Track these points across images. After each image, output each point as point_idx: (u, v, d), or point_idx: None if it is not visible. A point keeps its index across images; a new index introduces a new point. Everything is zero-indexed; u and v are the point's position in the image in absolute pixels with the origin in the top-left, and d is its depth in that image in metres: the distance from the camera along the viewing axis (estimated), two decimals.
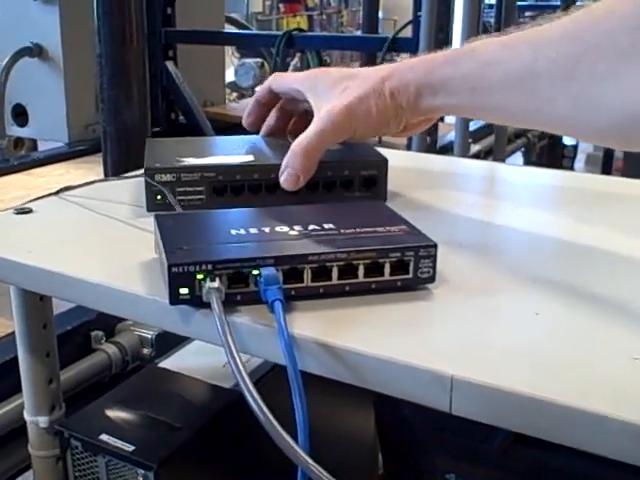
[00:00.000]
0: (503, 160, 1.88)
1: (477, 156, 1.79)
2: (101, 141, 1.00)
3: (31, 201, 0.69)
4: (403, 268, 0.49)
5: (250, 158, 0.62)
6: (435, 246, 0.49)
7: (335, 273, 0.48)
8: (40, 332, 0.68)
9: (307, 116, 0.63)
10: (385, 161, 0.62)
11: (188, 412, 0.66)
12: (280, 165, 0.59)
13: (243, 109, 2.16)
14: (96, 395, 0.72)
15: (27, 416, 0.70)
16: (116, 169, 1.00)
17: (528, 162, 2.60)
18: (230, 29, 2.37)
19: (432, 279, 0.49)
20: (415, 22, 1.60)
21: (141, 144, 1.11)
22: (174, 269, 0.45)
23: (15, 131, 1.82)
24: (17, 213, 0.65)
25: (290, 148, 0.58)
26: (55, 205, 0.68)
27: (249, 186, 0.60)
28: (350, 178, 0.61)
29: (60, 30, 1.71)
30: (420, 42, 1.54)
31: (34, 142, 2.27)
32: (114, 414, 0.66)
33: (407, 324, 0.45)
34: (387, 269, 0.48)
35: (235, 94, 3.35)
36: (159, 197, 0.59)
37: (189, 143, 0.72)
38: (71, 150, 1.69)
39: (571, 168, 3.67)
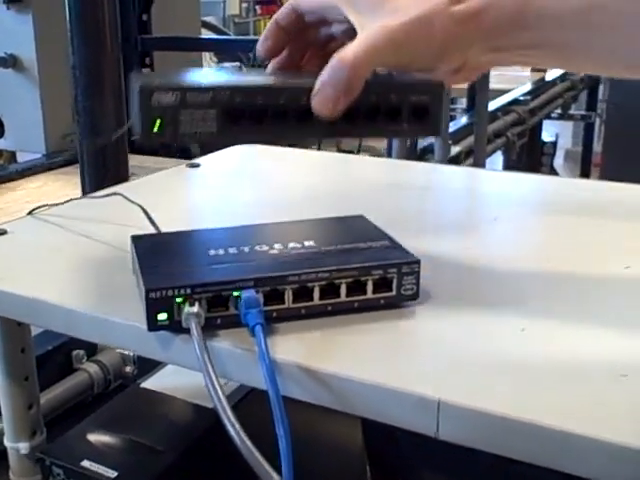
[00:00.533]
0: (484, 160, 1.88)
1: (457, 157, 1.78)
2: (78, 154, 0.98)
3: (5, 223, 0.67)
4: (386, 285, 0.48)
5: (271, 80, 0.51)
6: (418, 262, 0.48)
7: (317, 293, 0.47)
8: (18, 357, 0.66)
9: (330, 46, 0.54)
10: (441, 85, 0.50)
11: (171, 434, 0.65)
12: (312, 88, 0.47)
13: None
14: (79, 416, 0.70)
15: (7, 442, 0.69)
16: (94, 184, 0.98)
17: (508, 161, 2.61)
18: (207, 34, 2.36)
19: (416, 296, 0.48)
20: None
21: (119, 157, 1.11)
22: (152, 294, 0.44)
23: None
24: None
25: (329, 63, 0.46)
26: (30, 225, 0.67)
27: (273, 112, 0.48)
28: (397, 105, 0.49)
29: (34, 40, 1.69)
30: None
31: (13, 153, 2.24)
32: (96, 439, 0.65)
33: (391, 345, 0.45)
34: (370, 287, 0.47)
35: None
36: (158, 124, 0.46)
37: (190, 70, 0.59)
38: (49, 162, 1.67)
39: (551, 165, 3.69)
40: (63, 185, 1.54)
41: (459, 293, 0.51)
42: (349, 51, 0.46)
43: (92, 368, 0.94)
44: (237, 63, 3.27)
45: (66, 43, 1.27)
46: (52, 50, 1.72)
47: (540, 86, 2.83)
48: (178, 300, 0.45)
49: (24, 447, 0.68)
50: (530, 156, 3.05)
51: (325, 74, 0.46)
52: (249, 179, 0.84)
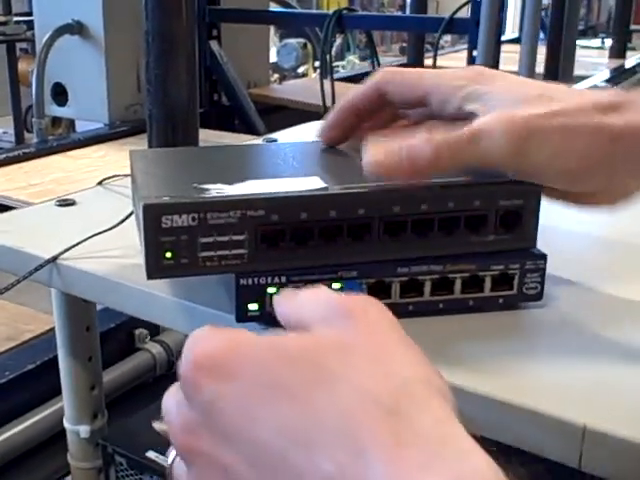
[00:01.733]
0: None
1: None
2: (146, 124, 0.93)
3: (74, 193, 0.63)
4: (506, 283, 0.42)
5: (317, 182, 0.40)
6: (544, 257, 0.42)
7: (428, 288, 0.41)
8: (83, 335, 0.62)
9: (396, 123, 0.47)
10: (537, 188, 0.41)
11: None
12: (369, 194, 0.39)
13: (287, 91, 2.06)
14: (140, 398, 0.66)
15: (67, 424, 0.65)
16: None
17: None
18: (274, 8, 2.30)
19: (539, 296, 0.42)
20: (474, 2, 1.52)
21: (189, 128, 1.06)
22: (242, 281, 0.39)
23: (54, 110, 1.77)
24: (59, 205, 0.59)
25: (420, 135, 0.39)
26: (99, 196, 0.62)
27: (322, 230, 0.39)
28: (481, 212, 0.40)
29: (102, 7, 1.65)
30: (481, 22, 1.45)
31: (72, 121, 2.23)
32: (161, 429, 0.60)
33: (516, 354, 0.38)
34: (488, 284, 0.41)
35: (277, 75, 3.28)
36: (169, 255, 0.37)
37: (206, 156, 0.48)
38: (111, 131, 1.63)
39: None
40: (126, 155, 1.49)
41: (588, 296, 0.44)
42: (451, 135, 0.38)
43: (155, 348, 0.89)
44: (301, 40, 3.21)
45: (134, 12, 1.23)
46: (120, 18, 1.68)
47: (620, 73, 2.70)
48: (271, 290, 0.39)
49: (84, 430, 0.64)
50: None
51: (408, 143, 0.38)
52: None
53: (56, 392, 0.65)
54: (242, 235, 0.38)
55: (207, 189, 0.39)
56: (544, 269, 0.42)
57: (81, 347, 0.62)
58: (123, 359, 0.86)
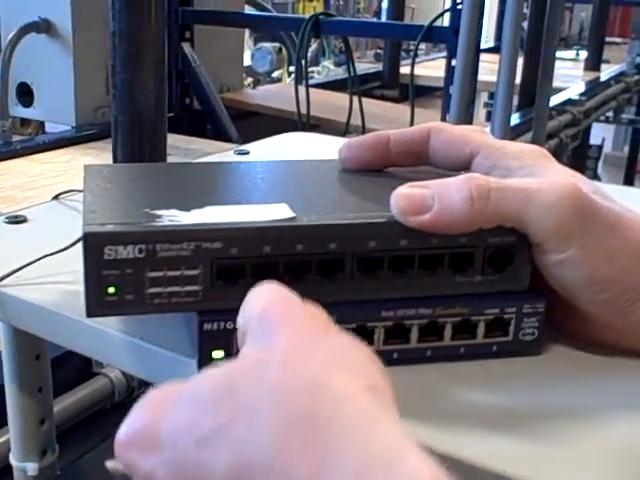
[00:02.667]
0: None
1: None
2: (111, 131, 0.88)
3: (26, 208, 0.57)
4: (501, 328, 0.37)
5: (284, 210, 0.35)
6: (543, 300, 0.38)
7: (415, 334, 0.36)
8: (32, 365, 0.57)
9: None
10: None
11: None
12: (342, 226, 0.34)
13: (261, 97, 2.01)
14: (96, 426, 0.61)
15: (13, 461, 0.59)
16: (127, 163, 0.88)
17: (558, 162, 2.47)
18: (250, 11, 2.25)
19: (537, 343, 0.38)
20: (454, 11, 1.48)
21: (156, 136, 1.01)
22: (206, 326, 0.34)
23: (19, 112, 1.70)
24: (8, 222, 0.54)
25: (463, 175, 0.36)
26: (53, 212, 0.57)
27: (287, 265, 0.34)
28: (469, 250, 0.36)
29: (70, 4, 1.59)
30: (461, 32, 1.42)
31: (42, 123, 2.16)
32: (114, 470, 0.55)
33: (515, 414, 0.34)
34: (481, 329, 0.37)
35: (250, 79, 3.23)
36: (112, 290, 0.33)
37: (167, 175, 0.43)
38: (78, 135, 1.57)
39: (595, 169, 3.55)
40: (92, 160, 1.45)
41: (587, 345, 0.40)
42: (490, 183, 0.35)
43: (113, 373, 0.84)
44: (276, 44, 3.16)
45: (104, 11, 1.18)
46: (89, 17, 1.62)
47: (594, 86, 2.69)
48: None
49: (32, 468, 0.59)
50: (576, 160, 2.92)
51: (433, 187, 0.35)
52: None
53: (2, 424, 0.60)
54: (196, 270, 0.33)
55: (159, 216, 0.34)
56: (543, 313, 0.37)
57: (30, 377, 0.57)
58: (78, 385, 0.80)
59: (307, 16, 1.64)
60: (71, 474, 0.56)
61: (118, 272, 0.32)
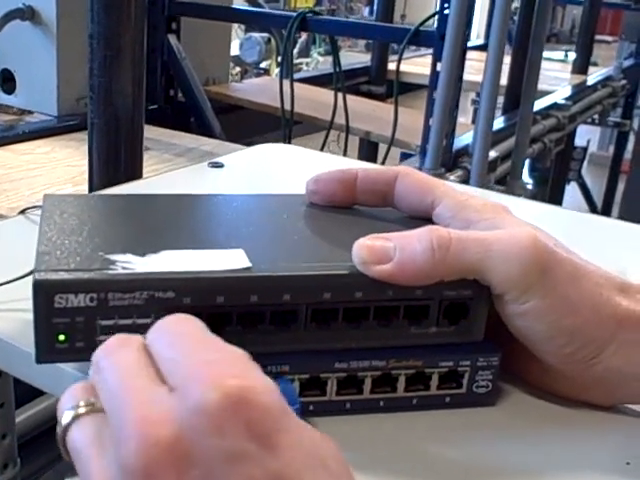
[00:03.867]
0: (522, 167, 1.76)
1: (494, 163, 1.67)
2: (87, 134, 0.87)
3: None
4: (454, 380, 0.38)
5: (241, 258, 0.35)
6: (498, 353, 0.38)
7: (368, 386, 0.36)
8: None
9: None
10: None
11: None
12: (296, 278, 0.34)
13: (246, 90, 1.99)
14: (54, 438, 0.60)
15: None
16: (103, 169, 0.87)
17: (534, 167, 2.48)
18: (238, 5, 2.24)
19: (491, 395, 0.38)
20: (441, 15, 1.48)
21: (133, 140, 1.00)
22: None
23: (1, 98, 1.68)
24: None
25: (425, 227, 0.36)
26: (20, 229, 0.57)
27: (241, 316, 0.34)
28: (424, 303, 0.36)
29: None
30: (447, 37, 1.42)
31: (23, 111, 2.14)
32: None
33: (466, 466, 0.34)
34: (434, 381, 0.37)
35: (238, 68, 3.21)
36: (62, 337, 0.33)
37: (129, 211, 0.42)
38: (59, 125, 1.56)
39: (579, 171, 3.56)
40: (72, 153, 1.44)
41: (541, 395, 0.40)
42: (446, 233, 0.35)
43: None
44: (265, 35, 3.14)
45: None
46: (74, 6, 1.60)
47: (580, 90, 2.70)
48: None
49: None
50: (560, 162, 2.93)
51: (405, 233, 0.36)
52: (279, 182, 0.73)
53: None
54: (148, 318, 0.33)
55: (113, 262, 0.34)
56: (497, 366, 0.38)
57: None
58: (41, 395, 0.80)
59: (295, 14, 1.63)
60: None
61: (69, 320, 0.32)
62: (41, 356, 0.33)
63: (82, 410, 0.27)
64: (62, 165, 1.35)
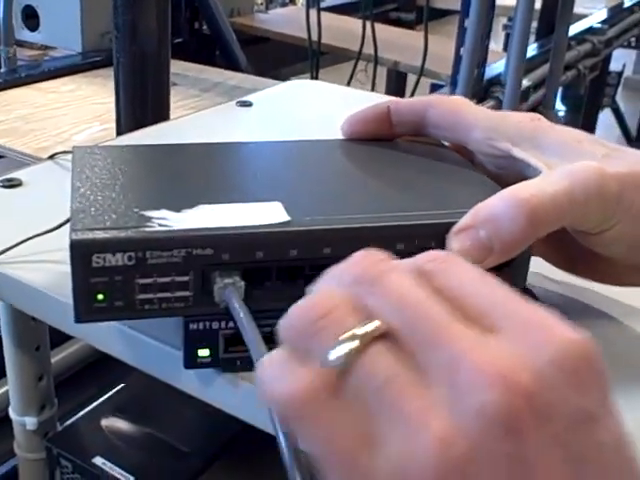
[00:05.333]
0: (555, 95, 1.71)
1: (525, 92, 1.63)
2: (114, 73, 0.86)
3: (21, 169, 0.57)
4: None
5: (278, 211, 0.34)
6: (532, 294, 0.37)
7: None
8: (29, 324, 0.57)
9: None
10: None
11: (198, 433, 0.56)
12: (336, 231, 0.33)
13: (272, 21, 1.94)
14: (92, 377, 0.62)
15: (13, 415, 0.61)
16: (130, 110, 0.87)
17: (567, 92, 2.42)
18: None
19: None
20: None
21: (160, 78, 0.98)
22: (192, 325, 0.34)
23: (25, 35, 1.66)
24: (3, 186, 0.53)
25: (499, 194, 0.34)
26: (50, 175, 0.56)
27: (281, 270, 0.34)
28: None
29: None
30: None
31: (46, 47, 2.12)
32: (111, 429, 0.56)
33: None
34: None
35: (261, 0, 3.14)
36: (101, 297, 0.32)
37: (159, 162, 0.41)
38: (84, 62, 1.54)
39: (613, 97, 3.47)
40: (97, 90, 1.42)
41: None
42: (533, 191, 0.33)
43: None
44: None
45: None
46: None
47: (617, 13, 2.61)
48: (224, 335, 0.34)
49: (31, 423, 0.60)
50: (594, 88, 2.85)
51: (482, 209, 0.33)
52: (309, 122, 0.72)
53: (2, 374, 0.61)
54: (187, 276, 0.32)
55: (149, 218, 0.33)
56: None
57: (28, 336, 0.58)
58: (72, 337, 0.81)
59: None
60: (66, 439, 0.57)
61: (107, 279, 0.32)
62: (80, 316, 0.33)
63: (368, 336, 0.22)
64: (88, 103, 1.34)
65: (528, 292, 0.37)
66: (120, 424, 0.56)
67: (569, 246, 0.38)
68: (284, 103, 0.76)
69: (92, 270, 0.32)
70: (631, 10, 2.76)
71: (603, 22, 2.33)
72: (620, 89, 4.65)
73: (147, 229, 0.32)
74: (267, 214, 0.34)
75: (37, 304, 0.43)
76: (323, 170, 0.41)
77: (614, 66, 3.41)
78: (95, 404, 0.59)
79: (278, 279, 0.34)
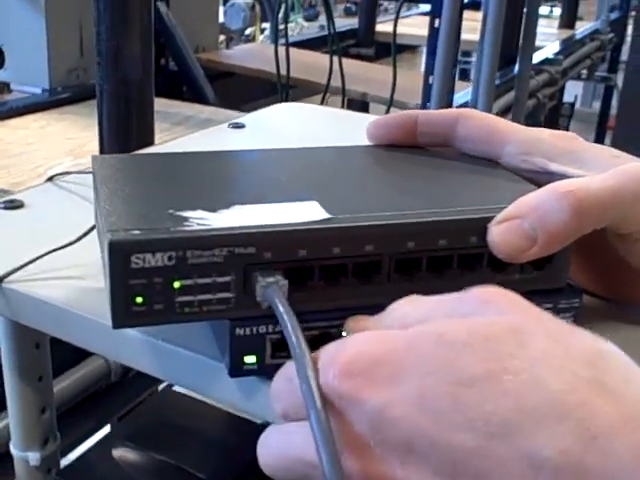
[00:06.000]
0: (521, 122, 1.74)
1: None
2: (97, 101, 0.85)
3: (21, 191, 0.55)
4: None
5: (316, 209, 0.33)
6: (580, 295, 0.37)
7: None
8: (32, 353, 0.55)
9: None
10: None
11: (214, 458, 0.54)
12: (380, 227, 0.33)
13: (238, 56, 1.95)
14: (92, 407, 0.59)
15: (14, 450, 0.58)
16: (114, 136, 0.85)
17: (535, 122, 2.46)
18: None
19: None
20: None
21: (144, 105, 0.97)
22: (238, 330, 0.33)
23: None
24: (4, 207, 0.51)
25: (543, 188, 0.33)
26: (50, 196, 0.55)
27: (323, 269, 0.33)
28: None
29: None
30: None
31: (8, 85, 2.09)
32: (123, 458, 0.54)
33: None
34: None
35: (223, 37, 3.15)
36: (139, 300, 0.31)
37: (180, 166, 0.40)
38: (52, 98, 1.52)
39: (567, 128, 3.55)
40: (67, 126, 1.40)
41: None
42: (582, 185, 0.33)
43: None
44: (249, 0, 3.08)
45: None
46: None
47: (570, 44, 2.68)
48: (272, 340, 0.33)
49: (34, 458, 0.57)
50: (551, 118, 2.91)
51: (530, 200, 0.33)
52: (306, 140, 0.71)
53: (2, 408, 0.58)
54: (228, 276, 0.31)
55: (186, 218, 0.32)
56: (578, 308, 0.37)
57: (30, 366, 0.55)
58: (74, 366, 0.78)
59: None
60: (74, 472, 0.54)
61: (146, 281, 0.30)
62: (118, 320, 0.31)
63: None
64: (60, 138, 1.32)
65: (572, 288, 0.37)
66: (132, 454, 0.54)
67: (601, 265, 0.38)
68: (276, 124, 0.75)
69: (131, 271, 0.30)
70: (582, 42, 2.83)
71: (558, 53, 2.39)
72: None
73: (187, 228, 0.31)
74: (306, 212, 0.33)
75: (57, 322, 0.41)
76: (354, 172, 0.41)
77: (565, 98, 3.49)
78: (103, 434, 0.56)
79: (321, 279, 0.33)
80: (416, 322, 0.27)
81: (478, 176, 0.39)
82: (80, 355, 0.79)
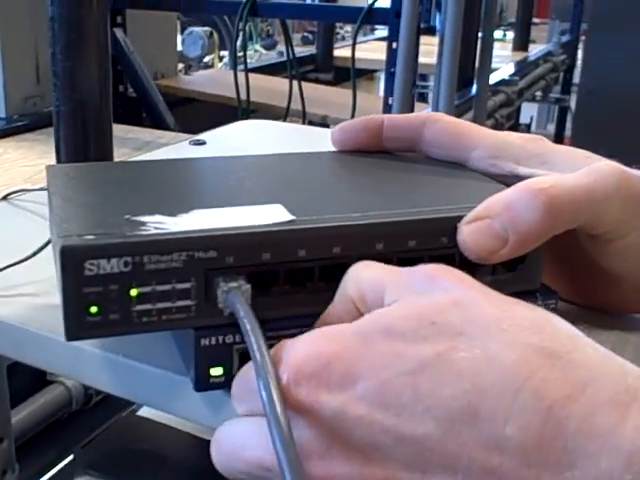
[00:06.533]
0: None
1: None
2: (53, 123, 0.83)
3: None
4: None
5: (281, 212, 0.32)
6: (555, 296, 0.36)
7: None
8: None
9: None
10: None
11: None
12: (348, 227, 0.31)
13: (197, 82, 1.95)
14: (54, 436, 0.57)
15: None
16: (72, 160, 0.83)
17: None
18: None
19: None
20: None
21: (102, 127, 0.96)
22: (203, 341, 0.31)
23: None
24: None
25: (514, 187, 0.32)
26: (5, 214, 0.53)
27: (288, 273, 0.31)
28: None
29: None
30: (403, 14, 1.40)
31: None
32: None
33: None
34: None
35: (181, 64, 3.15)
36: (94, 309, 0.29)
37: (139, 174, 0.38)
38: (9, 126, 1.49)
39: None
40: (25, 153, 1.38)
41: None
42: (553, 183, 0.32)
43: (70, 381, 0.79)
44: (207, 28, 3.09)
45: None
46: (15, 3, 1.53)
47: (524, 66, 2.72)
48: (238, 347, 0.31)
49: None
50: None
51: (501, 198, 0.32)
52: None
53: None
54: (188, 282, 0.30)
55: (143, 223, 0.30)
56: (555, 309, 0.36)
57: None
58: (34, 394, 0.75)
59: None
60: None
61: (101, 289, 0.29)
62: (72, 332, 0.29)
63: None
64: (17, 166, 1.29)
65: (547, 289, 0.36)
66: None
67: (573, 269, 0.38)
68: (237, 140, 0.74)
69: (84, 279, 0.28)
70: (536, 64, 2.88)
71: (513, 74, 2.43)
72: None
73: (143, 232, 0.29)
74: (269, 215, 0.32)
75: (11, 341, 0.39)
76: (320, 176, 0.39)
77: (522, 120, 3.54)
78: (63, 464, 0.54)
79: (286, 284, 0.32)
80: (370, 290, 0.28)
81: (447, 177, 0.39)
82: (40, 383, 0.76)
